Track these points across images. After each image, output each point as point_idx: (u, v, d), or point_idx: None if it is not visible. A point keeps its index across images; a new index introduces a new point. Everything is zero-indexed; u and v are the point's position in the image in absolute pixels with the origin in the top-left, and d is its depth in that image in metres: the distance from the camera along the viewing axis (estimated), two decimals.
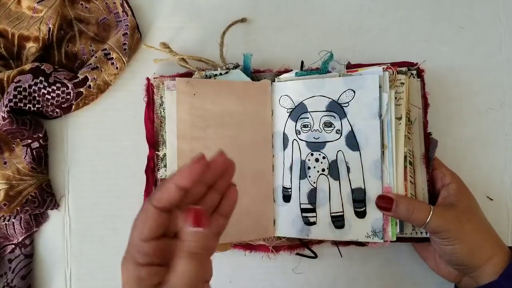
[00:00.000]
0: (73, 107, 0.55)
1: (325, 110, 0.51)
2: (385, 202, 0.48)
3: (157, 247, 0.33)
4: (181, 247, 0.32)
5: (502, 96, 0.58)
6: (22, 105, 0.52)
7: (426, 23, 0.59)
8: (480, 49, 0.58)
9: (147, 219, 0.33)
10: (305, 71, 0.52)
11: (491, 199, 0.56)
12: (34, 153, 0.54)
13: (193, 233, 0.32)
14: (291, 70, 0.53)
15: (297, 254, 0.54)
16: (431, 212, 0.46)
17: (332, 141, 0.51)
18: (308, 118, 0.51)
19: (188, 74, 0.54)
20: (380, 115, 0.49)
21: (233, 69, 0.53)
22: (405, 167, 0.49)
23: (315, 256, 0.54)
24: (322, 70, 0.52)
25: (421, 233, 0.50)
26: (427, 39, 0.58)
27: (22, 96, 0.52)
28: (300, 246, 0.53)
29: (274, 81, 0.53)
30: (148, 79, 0.55)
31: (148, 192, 0.54)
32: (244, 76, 0.52)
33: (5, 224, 0.54)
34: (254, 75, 0.54)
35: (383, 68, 0.49)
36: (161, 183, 0.48)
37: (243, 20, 0.57)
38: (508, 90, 0.58)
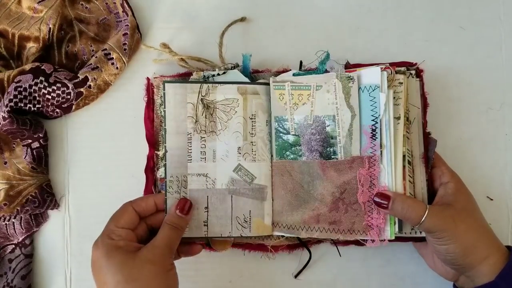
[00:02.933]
0: (73, 107, 0.55)
1: None
2: (382, 199, 0.48)
3: (128, 233, 0.46)
4: (166, 221, 0.47)
5: (502, 96, 0.58)
6: (22, 105, 0.53)
7: (426, 23, 0.59)
8: (480, 49, 0.58)
9: (124, 213, 0.47)
10: (303, 71, 0.52)
11: (491, 199, 0.56)
12: (34, 153, 0.54)
13: (178, 216, 0.47)
14: (290, 70, 0.53)
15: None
16: (426, 212, 0.46)
17: None
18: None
19: (188, 74, 0.54)
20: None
21: (231, 69, 0.53)
22: (404, 166, 0.49)
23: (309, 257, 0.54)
24: (319, 70, 0.51)
25: (420, 232, 0.50)
26: (427, 39, 0.58)
27: (22, 96, 0.52)
28: (299, 245, 0.53)
29: None
30: (148, 79, 0.55)
31: (147, 192, 0.54)
32: (242, 77, 0.52)
33: (5, 224, 0.54)
34: (253, 75, 0.53)
35: (381, 68, 0.49)
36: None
37: (242, 20, 0.57)
38: (508, 90, 0.58)
